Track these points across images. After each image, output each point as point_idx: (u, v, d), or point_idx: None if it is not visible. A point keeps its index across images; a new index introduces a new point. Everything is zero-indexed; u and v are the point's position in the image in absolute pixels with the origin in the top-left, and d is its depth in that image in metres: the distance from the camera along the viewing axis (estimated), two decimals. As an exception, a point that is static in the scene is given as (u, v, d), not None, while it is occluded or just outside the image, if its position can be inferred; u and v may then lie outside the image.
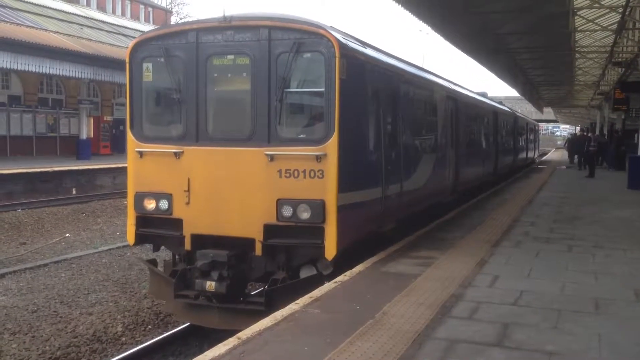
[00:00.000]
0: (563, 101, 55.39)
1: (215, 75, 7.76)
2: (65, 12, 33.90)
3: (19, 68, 24.71)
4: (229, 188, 7.48)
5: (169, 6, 58.85)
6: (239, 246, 7.51)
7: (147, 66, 8.00)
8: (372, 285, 6.80)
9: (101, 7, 43.70)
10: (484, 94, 21.96)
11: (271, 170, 7.30)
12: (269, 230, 7.34)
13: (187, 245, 7.69)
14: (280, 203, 7.26)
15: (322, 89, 7.31)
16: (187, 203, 7.64)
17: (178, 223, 7.73)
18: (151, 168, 7.89)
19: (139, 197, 7.91)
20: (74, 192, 22.73)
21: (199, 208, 7.60)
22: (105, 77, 28.75)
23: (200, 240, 7.64)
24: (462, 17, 18.76)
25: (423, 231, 10.47)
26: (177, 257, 8.10)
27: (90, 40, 30.58)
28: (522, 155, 31.68)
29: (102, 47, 30.00)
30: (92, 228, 16.43)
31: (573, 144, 38.54)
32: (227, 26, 7.56)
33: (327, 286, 6.79)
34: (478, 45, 23.49)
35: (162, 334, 8.27)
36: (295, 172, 7.23)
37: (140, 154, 7.93)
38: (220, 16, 7.60)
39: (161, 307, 8.92)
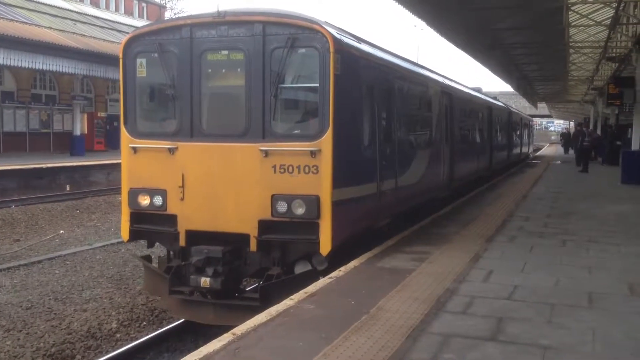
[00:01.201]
0: (557, 96, 55.55)
1: (210, 70, 7.74)
2: (59, 8, 33.72)
3: (11, 64, 24.59)
4: (223, 184, 7.46)
5: (163, 1, 58.58)
6: (234, 242, 7.50)
7: (141, 62, 7.97)
8: (367, 281, 6.80)
9: (94, 3, 43.47)
10: (478, 89, 21.99)
11: (266, 165, 7.29)
12: (263, 225, 7.33)
13: (182, 241, 7.68)
14: (275, 199, 7.25)
15: (317, 85, 7.30)
16: (182, 199, 7.63)
17: (172, 219, 7.71)
18: (145, 164, 7.86)
19: (133, 193, 7.89)
20: (67, 188, 22.65)
21: (193, 204, 7.59)
22: (99, 72, 28.64)
23: (195, 236, 7.62)
24: (457, 13, 18.78)
25: (418, 226, 10.48)
26: (171, 253, 8.09)
27: (84, 35, 30.44)
28: (517, 150, 31.77)
29: (96, 43, 29.86)
30: (86, 224, 16.38)
31: (567, 139, 38.72)
32: (221, 21, 7.53)
33: (322, 281, 6.79)
34: (473, 40, 23.53)
35: (157, 330, 8.26)
36: (290, 168, 7.23)
37: (134, 149, 7.91)
38: (214, 11, 7.57)
39: (156, 304, 8.90)
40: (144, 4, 51.72)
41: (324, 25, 7.33)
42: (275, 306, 5.87)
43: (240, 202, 7.38)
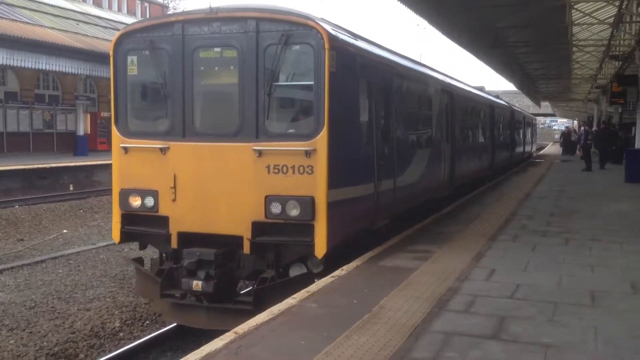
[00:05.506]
0: (560, 95, 55.39)
1: (202, 68, 7.58)
2: (61, 8, 33.73)
3: (15, 64, 24.62)
4: (216, 184, 7.29)
5: (166, 1, 58.62)
6: (227, 244, 7.34)
7: (132, 59, 7.83)
8: (369, 280, 6.79)
9: (97, 3, 43.49)
10: (481, 88, 21.98)
11: (259, 166, 7.12)
12: (257, 227, 7.16)
13: (174, 244, 7.52)
14: (268, 200, 7.07)
15: (311, 82, 7.12)
16: (174, 200, 7.46)
17: (164, 220, 7.55)
18: (136, 164, 7.70)
19: (124, 194, 7.74)
20: (71, 188, 22.69)
21: (185, 205, 7.42)
22: (102, 72, 28.62)
23: (187, 238, 7.47)
24: (459, 12, 18.72)
25: (420, 225, 10.46)
26: (164, 255, 7.94)
27: (87, 35, 30.46)
28: (520, 149, 31.70)
29: (99, 43, 29.86)
30: (89, 224, 16.42)
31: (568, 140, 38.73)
32: (214, 18, 7.37)
33: (324, 280, 6.77)
34: (475, 39, 23.43)
35: (160, 329, 8.26)
36: (284, 168, 7.05)
37: (125, 149, 7.76)
38: (207, 7, 7.42)
39: (149, 307, 8.85)
40: (146, 4, 51.72)
41: (318, 22, 7.17)
42: (277, 305, 5.86)
43: (233, 204, 7.21)
